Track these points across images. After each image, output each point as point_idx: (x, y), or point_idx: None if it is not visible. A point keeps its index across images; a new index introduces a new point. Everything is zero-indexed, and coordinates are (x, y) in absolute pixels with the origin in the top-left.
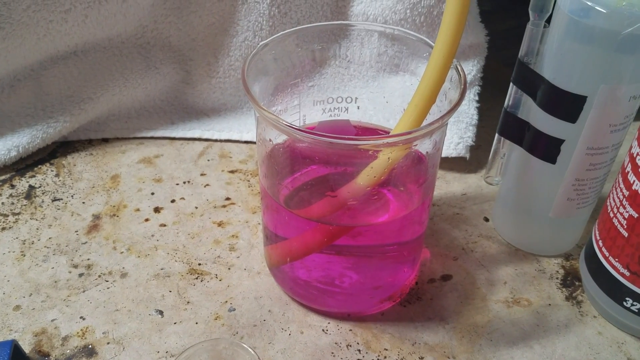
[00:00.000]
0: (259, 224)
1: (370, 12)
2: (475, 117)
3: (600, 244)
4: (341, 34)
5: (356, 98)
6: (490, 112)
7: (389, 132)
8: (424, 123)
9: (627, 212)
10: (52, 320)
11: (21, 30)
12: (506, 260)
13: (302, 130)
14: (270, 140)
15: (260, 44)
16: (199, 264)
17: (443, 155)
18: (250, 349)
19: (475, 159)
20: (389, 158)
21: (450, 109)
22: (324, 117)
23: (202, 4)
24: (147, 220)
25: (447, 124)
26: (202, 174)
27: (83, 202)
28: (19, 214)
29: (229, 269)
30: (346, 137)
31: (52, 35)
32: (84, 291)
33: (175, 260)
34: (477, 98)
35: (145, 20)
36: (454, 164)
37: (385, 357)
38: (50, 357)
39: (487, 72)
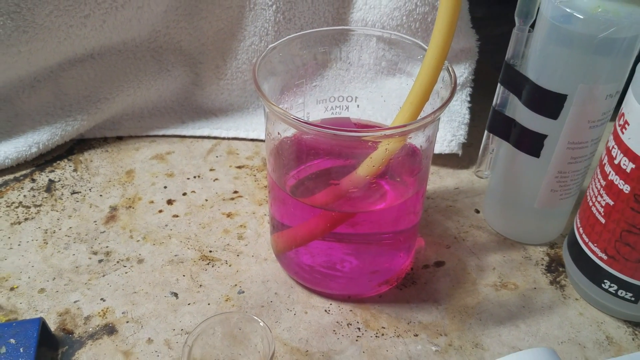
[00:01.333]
0: (265, 215)
1: (369, 19)
2: (467, 116)
3: (581, 230)
4: (342, 39)
5: (356, 97)
6: (482, 112)
7: None
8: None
9: (604, 200)
10: (75, 302)
11: (43, 34)
12: (495, 248)
13: (309, 122)
14: (278, 134)
15: (269, 47)
16: (210, 251)
17: (437, 152)
18: (260, 320)
19: (467, 156)
20: (386, 149)
21: (442, 104)
22: (326, 115)
23: (211, 10)
24: (160, 211)
25: (439, 119)
26: (211, 169)
27: (100, 195)
28: (40, 205)
29: (238, 255)
30: (349, 129)
31: (71, 39)
32: (103, 275)
33: (188, 248)
34: (468, 99)
35: (158, 26)
36: (447, 160)
37: (382, 335)
38: (74, 334)
39: (478, 75)
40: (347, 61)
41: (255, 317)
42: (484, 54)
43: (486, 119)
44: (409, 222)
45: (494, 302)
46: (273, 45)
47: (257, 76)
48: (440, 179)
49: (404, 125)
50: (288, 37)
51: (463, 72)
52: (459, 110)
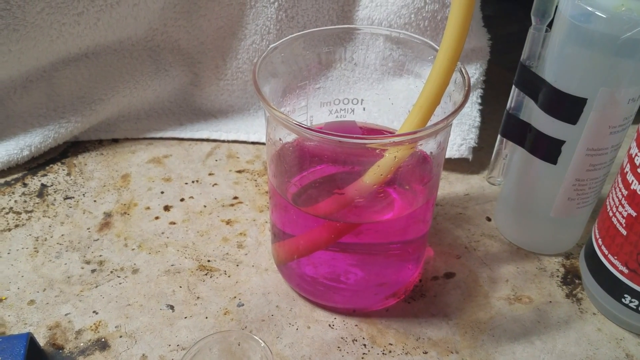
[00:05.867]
0: (266, 222)
1: (376, 17)
2: (478, 119)
3: (600, 242)
4: (347, 38)
5: (362, 100)
6: (493, 114)
7: (394, 133)
8: (429, 124)
9: (625, 211)
10: (66, 315)
11: (35, 33)
12: (508, 258)
13: (311, 129)
14: (280, 139)
15: (270, 47)
16: (208, 261)
17: (446, 156)
18: (260, 340)
19: (477, 160)
20: (395, 157)
21: (455, 110)
22: (330, 118)
23: (211, 8)
24: (157, 218)
25: (451, 124)
26: (210, 174)
27: (94, 201)
28: (31, 211)
29: (238, 265)
30: (354, 135)
31: (64, 38)
32: (96, 286)
33: (185, 257)
34: (479, 101)
35: (156, 24)
36: (457, 165)
37: (390, 352)
38: (64, 350)
39: (490, 75)
40: (352, 62)
41: (255, 337)
42: (494, 54)
43: (497, 122)
44: (418, 231)
45: (508, 317)
46: (274, 44)
47: (258, 78)
48: (449, 185)
49: (414, 132)
50: (290, 36)
51: (474, 72)
52: (470, 112)
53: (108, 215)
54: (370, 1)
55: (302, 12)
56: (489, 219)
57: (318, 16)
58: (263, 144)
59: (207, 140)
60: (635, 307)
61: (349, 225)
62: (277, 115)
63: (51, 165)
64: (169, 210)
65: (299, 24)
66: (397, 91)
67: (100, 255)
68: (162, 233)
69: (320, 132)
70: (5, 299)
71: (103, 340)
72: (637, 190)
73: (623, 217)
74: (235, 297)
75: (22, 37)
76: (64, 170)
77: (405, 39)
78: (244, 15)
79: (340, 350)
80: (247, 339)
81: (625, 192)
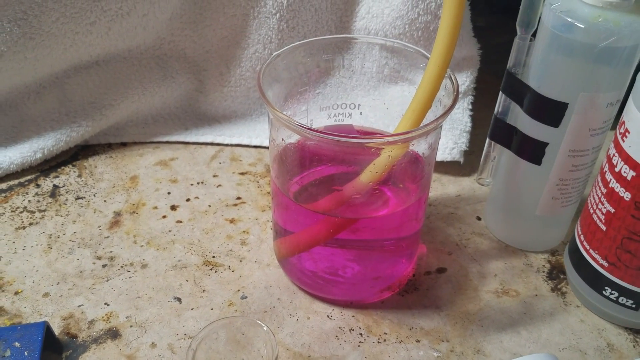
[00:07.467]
0: (268, 221)
1: (372, 27)
2: (469, 124)
3: (582, 238)
4: (345, 47)
5: (359, 105)
6: (483, 120)
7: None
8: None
9: (605, 207)
10: (79, 306)
11: (49, 41)
12: (497, 255)
13: (312, 129)
14: (282, 140)
15: (274, 54)
16: (213, 257)
17: (439, 159)
18: (263, 325)
19: (468, 163)
20: (389, 156)
21: (444, 112)
22: (329, 122)
23: (216, 18)
24: (164, 217)
25: (441, 127)
26: (214, 176)
27: (104, 200)
28: (44, 210)
29: (241, 261)
30: (352, 135)
31: (77, 46)
32: (107, 280)
33: (191, 253)
34: (470, 107)
35: (163, 33)
36: (449, 168)
37: (384, 340)
38: (78, 338)
39: (480, 83)
40: (350, 69)
41: (259, 322)
42: (485, 63)
43: (488, 127)
44: (411, 228)
45: (496, 309)
46: (277, 52)
47: (262, 83)
48: (442, 186)
49: (407, 132)
50: (292, 44)
51: (465, 80)
52: (461, 118)
53: (118, 214)
54: (367, 12)
55: (302, 22)
56: (479, 218)
57: (317, 26)
58: (265, 147)
59: (212, 144)
60: (615, 299)
61: (346, 221)
62: (280, 117)
63: (63, 167)
64: (175, 209)
65: (299, 34)
66: (392, 97)
67: (111, 251)
68: (169, 231)
69: (320, 132)
70: (21, 291)
71: (114, 329)
72: (615, 188)
73: (602, 213)
74: (239, 290)
75: (37, 45)
76: (74, 172)
77: (399, 48)
78: (248, 25)
79: (338, 339)
80: (251, 324)
81: (604, 190)
